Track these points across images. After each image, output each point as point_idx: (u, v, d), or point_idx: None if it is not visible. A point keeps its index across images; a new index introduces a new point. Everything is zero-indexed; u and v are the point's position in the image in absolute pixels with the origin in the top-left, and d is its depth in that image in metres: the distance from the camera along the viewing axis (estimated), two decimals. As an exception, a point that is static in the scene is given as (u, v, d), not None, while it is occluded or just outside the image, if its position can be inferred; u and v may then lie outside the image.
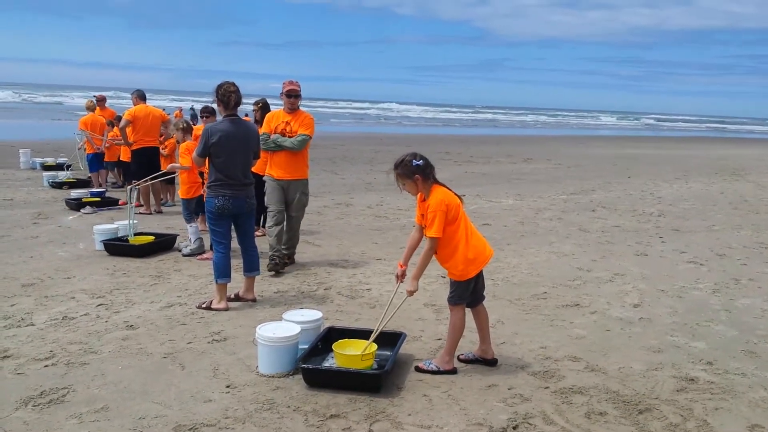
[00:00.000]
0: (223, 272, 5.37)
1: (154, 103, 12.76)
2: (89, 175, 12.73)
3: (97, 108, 12.85)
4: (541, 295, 5.99)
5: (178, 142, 8.34)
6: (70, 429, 3.36)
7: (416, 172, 4.03)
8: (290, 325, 4.24)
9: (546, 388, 3.97)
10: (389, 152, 23.25)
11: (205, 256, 7.07)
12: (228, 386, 3.90)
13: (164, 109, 16.14)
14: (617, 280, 6.60)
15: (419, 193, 4.11)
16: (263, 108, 8.03)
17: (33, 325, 4.91)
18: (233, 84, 5.39)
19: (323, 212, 10.50)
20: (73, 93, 71.32)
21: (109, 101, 14.68)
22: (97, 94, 14.06)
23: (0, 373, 4.03)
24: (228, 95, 5.31)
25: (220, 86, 5.35)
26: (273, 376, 4.03)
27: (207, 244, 7.02)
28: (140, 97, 10.53)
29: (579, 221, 10.14)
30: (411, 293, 4.17)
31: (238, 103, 5.39)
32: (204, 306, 5.35)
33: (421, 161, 4.05)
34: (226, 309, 5.32)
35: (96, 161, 12.42)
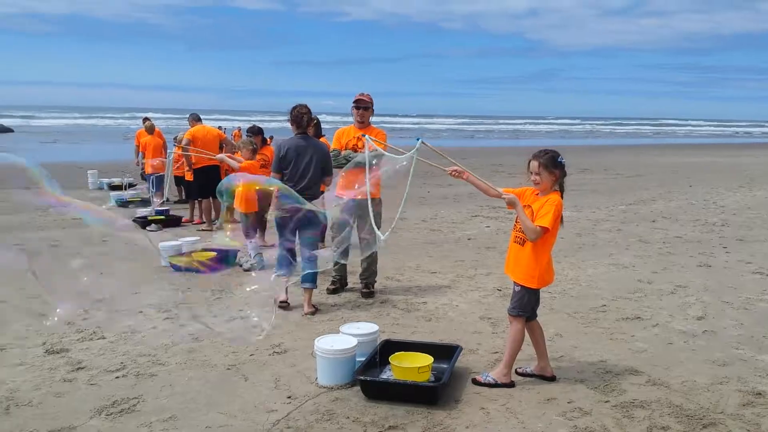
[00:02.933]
0: (281, 267, 5.56)
1: (210, 123, 13.14)
2: (152, 193, 13.14)
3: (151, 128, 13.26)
4: (600, 308, 5.92)
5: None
6: (142, 437, 3.52)
7: (558, 168, 4.06)
8: (347, 338, 4.32)
9: (606, 402, 3.92)
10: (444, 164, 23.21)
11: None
12: (289, 397, 4.01)
13: (221, 128, 16.65)
14: (679, 292, 6.45)
15: (537, 188, 4.11)
16: (316, 125, 8.21)
17: (104, 338, 5.14)
18: (305, 106, 6.04)
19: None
20: (135, 114, 74.03)
21: (168, 123, 15.19)
22: (144, 116, 14.59)
23: (75, 384, 4.24)
24: (301, 116, 5.97)
25: (294, 108, 6.01)
26: (332, 388, 4.12)
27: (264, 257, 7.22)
28: (196, 119, 10.95)
29: (639, 232, 9.94)
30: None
31: (309, 122, 6.04)
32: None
33: (563, 163, 4.09)
34: (285, 302, 5.86)
35: (156, 181, 12.78)
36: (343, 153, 6.31)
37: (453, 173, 4.37)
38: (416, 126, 74.54)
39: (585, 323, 5.49)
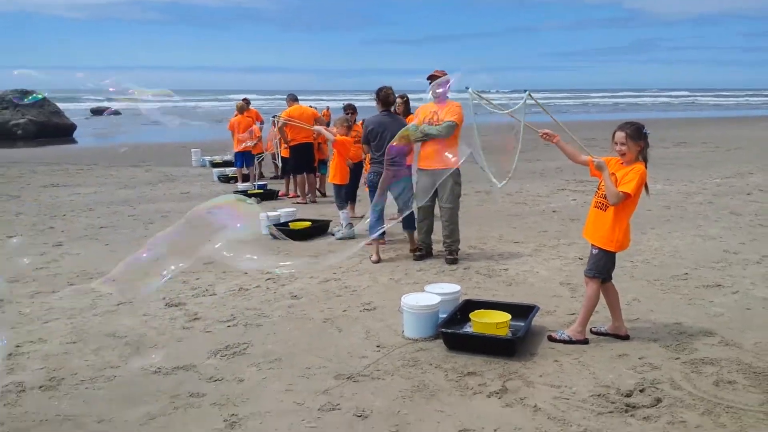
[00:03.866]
0: (373, 231, 6.10)
1: (305, 102, 13.72)
2: (243, 170, 13.77)
3: (245, 110, 14.00)
4: (681, 276, 6.01)
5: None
6: (251, 374, 4.05)
7: (643, 140, 4.29)
8: (431, 296, 4.71)
9: (677, 358, 4.12)
10: (531, 140, 23.07)
11: (370, 242, 7.60)
12: (378, 346, 4.45)
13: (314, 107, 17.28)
14: (765, 261, 6.41)
15: (622, 159, 4.33)
16: (406, 102, 8.58)
17: (215, 294, 5.77)
18: (390, 88, 7.22)
19: (463, 200, 10.80)
20: (230, 96, 76.88)
21: (266, 103, 15.91)
22: (244, 97, 15.34)
23: (192, 332, 4.86)
24: (387, 95, 7.14)
25: (380, 89, 7.15)
26: (417, 340, 4.52)
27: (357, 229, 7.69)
28: (293, 99, 11.55)
29: (731, 205, 9.73)
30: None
31: (394, 101, 7.29)
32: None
33: (648, 134, 4.33)
34: (378, 261, 6.81)
35: (245, 158, 13.35)
36: (420, 127, 6.54)
37: (544, 136, 4.64)
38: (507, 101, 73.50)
39: (664, 290, 5.62)
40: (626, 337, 4.47)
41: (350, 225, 8.11)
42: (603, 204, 4.38)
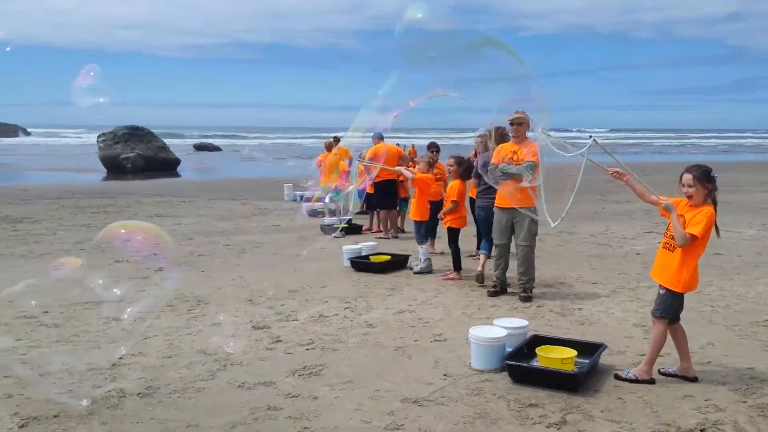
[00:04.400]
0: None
1: (392, 140, 14.23)
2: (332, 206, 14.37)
3: (333, 147, 14.57)
4: (762, 323, 5.88)
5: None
6: (325, 393, 4.36)
7: (711, 183, 4.41)
8: (499, 329, 4.88)
9: (744, 402, 4.10)
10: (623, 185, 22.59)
11: (450, 276, 7.91)
12: (445, 375, 4.66)
13: (398, 144, 17.79)
14: None
15: (689, 201, 4.43)
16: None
17: (297, 320, 6.15)
18: (504, 128, 7.24)
19: (544, 239, 10.88)
20: (324, 133, 79.39)
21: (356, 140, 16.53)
22: (335, 135, 15.98)
23: (274, 352, 5.23)
24: (503, 135, 7.18)
25: (497, 128, 7.24)
26: (483, 371, 4.70)
27: (435, 265, 7.95)
28: (379, 137, 12.04)
29: (831, 253, 9.28)
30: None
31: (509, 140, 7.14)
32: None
33: (715, 177, 4.45)
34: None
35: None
36: (500, 166, 6.78)
37: (614, 174, 4.81)
38: (604, 140, 72.26)
39: (742, 335, 5.53)
40: (694, 379, 4.47)
41: (428, 260, 8.37)
42: (671, 245, 4.45)
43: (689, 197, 4.41)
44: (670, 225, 4.48)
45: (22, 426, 3.90)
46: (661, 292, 4.49)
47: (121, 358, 5.07)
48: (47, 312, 6.38)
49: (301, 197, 17.23)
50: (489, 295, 7.01)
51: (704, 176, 4.37)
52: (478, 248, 8.95)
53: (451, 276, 7.89)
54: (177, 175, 29.09)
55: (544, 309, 6.47)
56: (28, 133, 73.51)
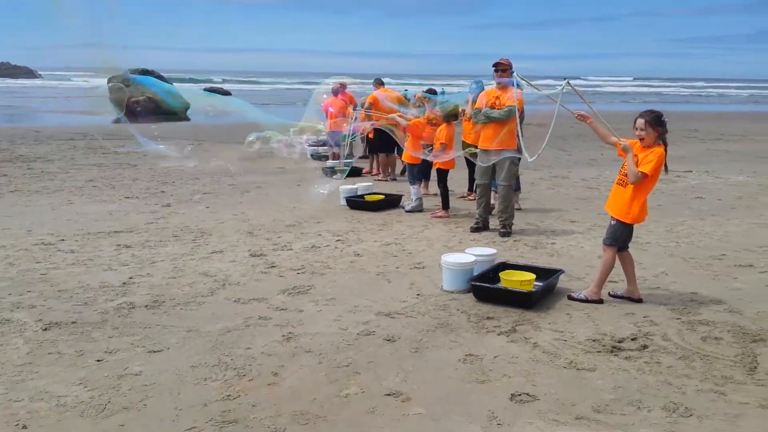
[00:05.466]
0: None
1: (398, 87, 14.54)
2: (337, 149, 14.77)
3: (340, 92, 14.88)
4: (718, 256, 6.37)
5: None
6: (310, 307, 4.94)
7: (660, 126, 4.84)
8: (468, 256, 5.42)
9: (678, 319, 4.64)
10: (630, 129, 22.86)
11: (438, 214, 8.43)
12: (418, 294, 5.23)
13: (406, 92, 18.03)
14: (811, 249, 6.62)
15: (641, 143, 4.86)
16: (481, 88, 9.19)
17: (291, 249, 6.71)
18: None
19: (537, 183, 11.36)
20: (340, 79, 78.85)
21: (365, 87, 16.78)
22: (340, 80, 16.25)
23: (268, 275, 5.80)
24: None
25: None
26: (452, 292, 5.25)
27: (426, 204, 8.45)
28: (379, 83, 12.42)
29: (808, 198, 9.69)
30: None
31: None
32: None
33: (666, 121, 4.88)
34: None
35: (333, 136, 14.31)
36: (483, 110, 7.23)
37: (579, 117, 5.23)
38: (625, 90, 72.19)
39: (695, 267, 6.03)
40: (639, 300, 5.01)
41: (419, 199, 8.87)
42: (623, 181, 4.92)
43: (641, 139, 4.85)
44: (625, 163, 4.93)
45: (45, 329, 4.50)
46: (612, 222, 4.99)
47: (131, 278, 5.66)
48: (63, 240, 6.97)
49: (307, 141, 17.67)
50: (471, 231, 7.52)
51: (655, 120, 4.80)
52: (470, 190, 9.45)
53: (439, 214, 8.40)
54: (186, 119, 29.46)
55: (520, 243, 6.99)
56: (38, 76, 73.67)
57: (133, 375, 3.79)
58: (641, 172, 4.77)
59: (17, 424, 3.24)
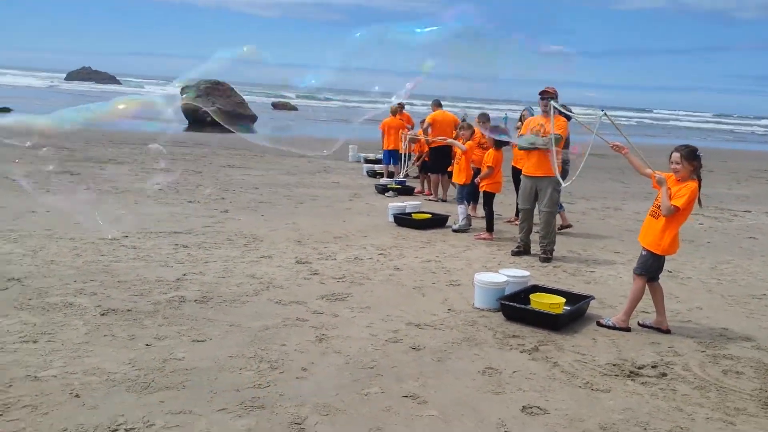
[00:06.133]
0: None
1: (454, 110, 14.84)
2: (389, 167, 15.03)
3: (398, 113, 15.23)
4: (758, 296, 6.33)
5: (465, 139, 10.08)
6: (345, 313, 5.22)
7: (695, 161, 4.98)
8: (501, 276, 5.60)
9: (702, 351, 4.70)
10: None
11: (483, 236, 8.62)
12: (449, 309, 5.44)
13: (465, 114, 18.30)
14: None
15: (676, 176, 4.99)
16: (530, 114, 9.38)
17: (335, 260, 7.02)
18: None
19: (588, 213, 11.39)
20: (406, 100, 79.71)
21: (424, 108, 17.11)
22: (400, 101, 16.61)
23: (310, 281, 6.12)
24: None
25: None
26: (483, 310, 5.44)
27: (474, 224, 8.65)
28: (437, 104, 12.69)
29: None
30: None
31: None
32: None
33: (700, 156, 5.03)
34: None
35: (392, 156, 14.64)
36: (527, 137, 7.41)
37: (614, 147, 5.40)
38: (700, 126, 70.88)
39: (732, 304, 6.03)
40: (667, 332, 5.08)
41: (466, 218, 9.08)
42: (656, 213, 5.04)
43: (676, 172, 4.96)
44: (659, 196, 5.04)
45: (103, 314, 4.92)
46: (643, 253, 5.09)
47: (184, 274, 6.08)
48: (127, 237, 7.49)
49: (365, 158, 18.11)
50: (512, 254, 7.68)
51: (690, 155, 4.91)
52: (516, 214, 9.59)
53: (483, 236, 8.58)
54: (253, 130, 30.50)
55: (559, 269, 7.10)
56: (118, 82, 77.35)
57: (177, 360, 4.15)
58: (674, 205, 4.88)
59: (71, 393, 3.62)
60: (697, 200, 4.96)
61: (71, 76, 77.68)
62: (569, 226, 9.41)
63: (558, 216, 9.20)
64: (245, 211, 9.77)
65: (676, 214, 4.93)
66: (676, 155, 4.96)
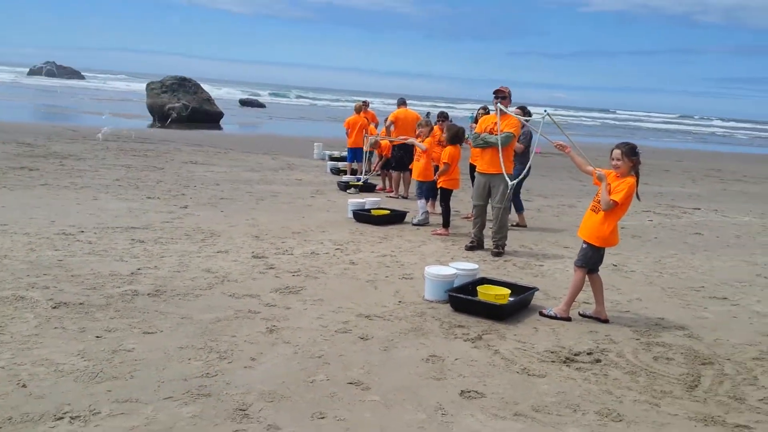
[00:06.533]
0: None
1: (420, 108, 15.01)
2: (353, 165, 15.16)
3: (362, 110, 15.36)
4: (696, 288, 6.62)
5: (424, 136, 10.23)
6: (297, 306, 5.34)
7: (635, 157, 5.19)
8: (450, 269, 5.77)
9: (637, 339, 4.93)
10: (652, 165, 23.00)
11: (439, 231, 8.80)
12: (400, 301, 5.59)
13: (429, 114, 18.53)
14: (790, 287, 6.84)
15: (616, 172, 5.21)
16: (486, 113, 9.59)
17: (292, 254, 7.13)
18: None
19: (543, 210, 11.66)
20: (374, 98, 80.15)
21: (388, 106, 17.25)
22: (364, 99, 16.75)
23: (265, 275, 6.22)
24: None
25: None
26: (432, 301, 5.61)
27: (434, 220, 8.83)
28: (401, 103, 12.87)
29: (807, 241, 9.83)
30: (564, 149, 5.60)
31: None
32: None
33: (639, 153, 5.24)
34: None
35: (355, 154, 14.78)
36: (481, 135, 7.64)
37: (557, 146, 5.61)
38: (656, 126, 72.51)
39: (671, 296, 6.30)
40: (605, 321, 5.30)
41: (425, 213, 9.27)
42: (596, 208, 5.26)
43: (616, 168, 5.19)
44: (599, 192, 5.26)
45: (54, 307, 4.96)
46: (584, 246, 5.31)
47: (138, 269, 6.12)
48: (83, 232, 7.48)
49: (330, 156, 18.19)
50: (466, 249, 7.87)
51: (630, 151, 5.14)
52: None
53: (439, 231, 8.77)
54: (219, 127, 30.31)
55: (509, 263, 7.31)
56: (82, 77, 76.03)
57: (126, 351, 4.22)
58: (613, 200, 5.10)
59: (18, 383, 3.68)
60: (635, 195, 5.19)
61: (34, 72, 76.11)
62: (524, 226, 9.65)
63: (517, 216, 9.51)
64: (205, 207, 9.80)
65: (614, 208, 5.15)
66: (617, 152, 5.18)
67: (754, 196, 16.12)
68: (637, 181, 5.20)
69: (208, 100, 32.48)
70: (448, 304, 5.51)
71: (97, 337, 4.43)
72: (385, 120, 14.89)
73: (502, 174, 7.49)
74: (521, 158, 9.12)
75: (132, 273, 5.99)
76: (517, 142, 8.97)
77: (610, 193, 5.14)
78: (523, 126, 9.21)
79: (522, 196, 10.00)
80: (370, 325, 4.95)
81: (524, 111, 9.73)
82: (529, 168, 8.00)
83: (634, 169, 5.19)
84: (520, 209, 9.71)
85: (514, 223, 9.35)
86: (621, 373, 4.27)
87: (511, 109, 7.93)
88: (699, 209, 12.93)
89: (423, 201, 9.43)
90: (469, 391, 3.87)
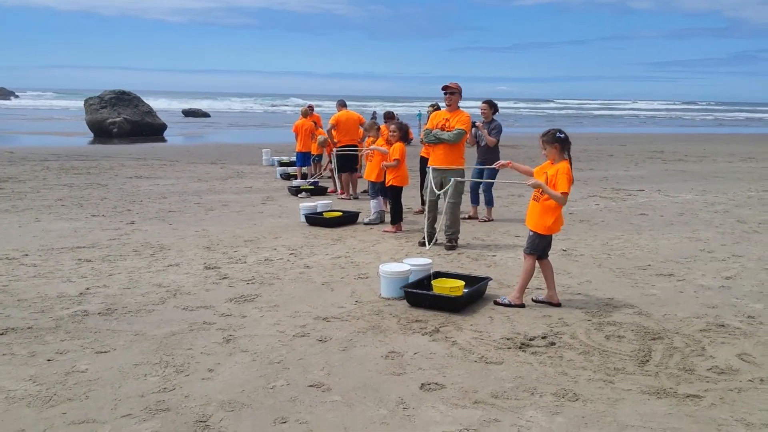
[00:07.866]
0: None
1: (358, 109, 15.04)
2: (302, 169, 15.12)
3: (309, 114, 15.34)
4: (643, 267, 6.83)
5: (370, 138, 10.26)
6: (253, 313, 5.30)
7: (556, 142, 5.28)
8: (404, 265, 5.81)
9: (589, 320, 5.06)
10: (596, 151, 23.57)
11: (388, 229, 8.84)
12: (357, 301, 5.61)
13: (375, 113, 18.57)
14: (730, 260, 7.12)
15: (549, 159, 5.33)
16: (436, 109, 9.68)
17: (245, 263, 7.06)
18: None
19: (494, 200, 11.81)
20: (318, 102, 79.91)
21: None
22: (309, 103, 16.73)
23: (219, 286, 6.15)
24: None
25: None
26: (389, 299, 5.64)
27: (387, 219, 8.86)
28: (342, 104, 12.86)
29: (745, 215, 10.25)
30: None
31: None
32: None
33: (563, 135, 5.32)
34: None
35: (304, 158, 14.78)
36: (433, 131, 7.73)
37: (499, 166, 5.76)
38: (598, 113, 74.30)
39: (619, 276, 6.48)
40: (558, 305, 5.43)
41: (378, 213, 9.30)
42: (537, 197, 5.38)
43: (546, 157, 5.32)
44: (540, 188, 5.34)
45: (2, 334, 4.80)
46: (530, 234, 5.43)
47: (87, 288, 5.98)
48: (27, 255, 7.26)
49: (279, 162, 18.07)
50: (419, 245, 7.94)
51: (551, 138, 5.27)
52: (423, 204, 9.88)
53: (389, 229, 8.82)
54: (163, 140, 29.77)
55: (463, 256, 7.41)
56: (16, 96, 73.59)
57: (80, 372, 4.12)
58: (562, 192, 5.20)
59: (-33, 414, 3.55)
60: (570, 176, 5.27)
61: (-39, 93, 73.31)
62: (491, 220, 9.77)
63: (486, 210, 9.83)
64: (152, 221, 9.62)
65: (559, 198, 5.25)
66: (540, 142, 5.31)
67: (695, 174, 16.71)
68: (570, 163, 5.29)
69: (150, 112, 31.88)
70: (405, 300, 5.55)
71: (49, 360, 4.32)
72: (320, 138, 14.86)
73: (455, 169, 7.61)
74: (492, 152, 9.52)
75: (81, 293, 5.85)
76: (489, 135, 9.52)
77: (554, 187, 5.23)
78: (493, 120, 9.73)
79: (470, 187, 10.11)
80: (328, 327, 4.95)
81: (491, 105, 9.90)
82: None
83: (565, 151, 5.30)
84: (489, 203, 9.90)
85: (466, 216, 9.49)
86: (575, 354, 4.38)
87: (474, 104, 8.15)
88: (643, 190, 13.33)
89: (376, 200, 9.46)
90: (429, 384, 3.91)
